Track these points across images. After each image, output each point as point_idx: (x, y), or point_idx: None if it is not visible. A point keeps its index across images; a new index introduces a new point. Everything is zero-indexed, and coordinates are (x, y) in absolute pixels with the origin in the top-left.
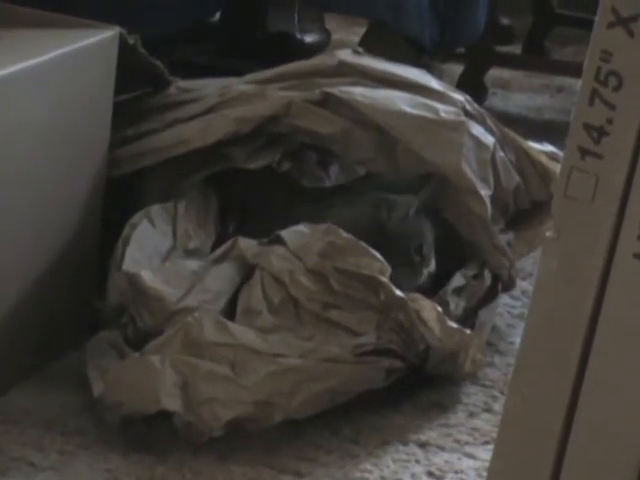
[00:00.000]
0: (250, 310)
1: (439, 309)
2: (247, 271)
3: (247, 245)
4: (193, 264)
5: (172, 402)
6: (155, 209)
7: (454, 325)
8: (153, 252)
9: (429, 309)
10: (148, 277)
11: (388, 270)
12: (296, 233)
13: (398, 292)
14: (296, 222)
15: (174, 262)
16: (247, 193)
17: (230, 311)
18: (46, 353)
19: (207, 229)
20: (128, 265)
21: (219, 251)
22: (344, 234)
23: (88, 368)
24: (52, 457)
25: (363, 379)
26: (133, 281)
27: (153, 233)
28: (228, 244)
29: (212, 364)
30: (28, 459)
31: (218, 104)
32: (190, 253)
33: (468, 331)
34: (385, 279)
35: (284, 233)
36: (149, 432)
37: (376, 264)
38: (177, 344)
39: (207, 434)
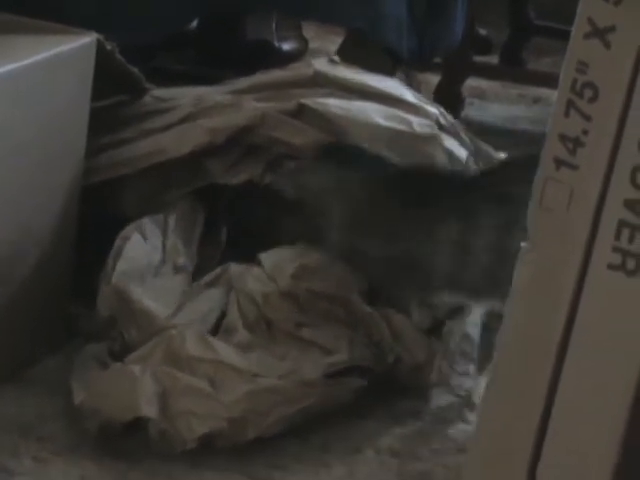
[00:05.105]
0: (227, 327)
1: (409, 321)
2: (231, 292)
3: (237, 270)
4: (184, 284)
5: (149, 409)
6: (146, 222)
7: (424, 336)
8: (145, 266)
9: (401, 322)
10: (137, 292)
11: (356, 287)
12: (273, 254)
13: (368, 308)
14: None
15: (165, 280)
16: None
17: (216, 332)
18: (22, 360)
19: (192, 248)
20: (118, 279)
21: (210, 276)
22: (316, 255)
23: (72, 379)
24: (26, 463)
25: (334, 399)
26: (122, 296)
27: (144, 247)
28: (219, 270)
29: (192, 378)
30: (2, 464)
31: (193, 114)
32: (178, 270)
33: (436, 342)
34: (355, 296)
35: (263, 255)
36: (123, 439)
37: (346, 282)
38: (158, 355)
39: (181, 446)
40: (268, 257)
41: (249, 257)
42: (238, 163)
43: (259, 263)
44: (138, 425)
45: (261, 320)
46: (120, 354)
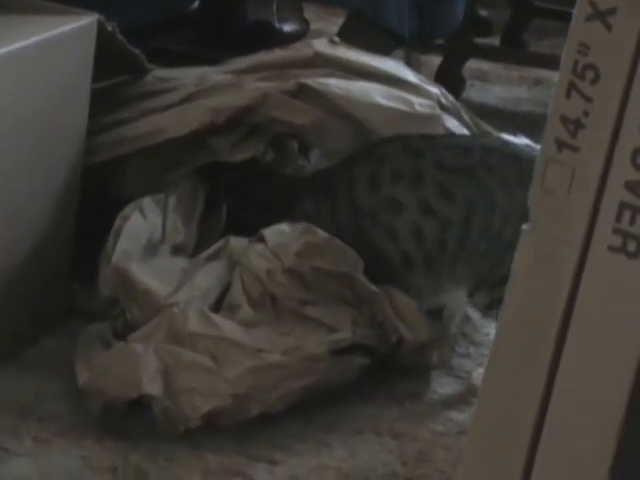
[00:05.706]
0: (231, 304)
1: (414, 302)
2: (234, 269)
3: (237, 243)
4: (184, 262)
5: (153, 386)
6: (146, 201)
7: (427, 318)
8: (145, 245)
9: (404, 302)
10: (137, 271)
11: (361, 265)
12: (277, 231)
13: (372, 287)
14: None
15: (164, 258)
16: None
17: (218, 308)
18: (21, 340)
19: (191, 227)
20: (118, 258)
21: (211, 249)
22: (321, 233)
23: (75, 360)
24: (27, 443)
25: (338, 376)
26: (123, 275)
27: (144, 226)
28: (220, 243)
29: (194, 354)
30: (2, 445)
31: (194, 94)
32: (177, 249)
33: (439, 324)
34: (359, 275)
35: (266, 231)
36: (124, 420)
37: (351, 260)
38: (161, 333)
39: (184, 424)
40: (271, 234)
41: (250, 234)
42: (242, 141)
43: (262, 239)
44: (140, 406)
45: (265, 296)
46: (123, 333)
